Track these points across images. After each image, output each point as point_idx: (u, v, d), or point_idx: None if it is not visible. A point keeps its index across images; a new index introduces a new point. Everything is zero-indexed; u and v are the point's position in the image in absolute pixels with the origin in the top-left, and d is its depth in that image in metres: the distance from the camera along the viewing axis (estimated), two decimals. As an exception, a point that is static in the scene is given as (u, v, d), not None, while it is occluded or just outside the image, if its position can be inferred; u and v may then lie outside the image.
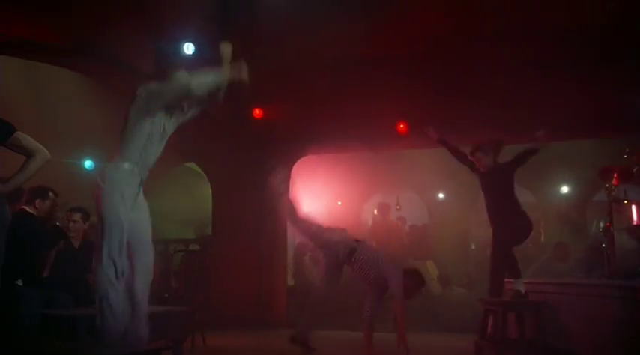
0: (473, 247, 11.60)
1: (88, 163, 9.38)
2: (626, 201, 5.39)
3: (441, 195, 11.98)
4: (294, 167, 9.15)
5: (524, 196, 12.02)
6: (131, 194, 3.71)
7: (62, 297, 4.70)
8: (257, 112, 8.27)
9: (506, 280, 6.24)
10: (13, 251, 3.77)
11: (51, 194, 5.05)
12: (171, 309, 4.51)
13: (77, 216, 5.35)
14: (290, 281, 9.41)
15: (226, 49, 4.06)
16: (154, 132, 3.86)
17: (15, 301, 4.28)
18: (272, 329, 7.80)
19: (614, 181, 5.59)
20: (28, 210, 4.91)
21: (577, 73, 7.03)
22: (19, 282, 4.71)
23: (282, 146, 8.76)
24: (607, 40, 6.64)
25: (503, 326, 5.21)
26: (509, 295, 5.59)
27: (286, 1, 6.53)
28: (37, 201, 4.96)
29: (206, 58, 7.17)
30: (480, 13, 6.69)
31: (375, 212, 12.69)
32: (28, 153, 3.54)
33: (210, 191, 9.39)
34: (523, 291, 5.35)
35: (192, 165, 10.22)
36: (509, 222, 5.68)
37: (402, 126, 7.93)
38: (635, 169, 5.66)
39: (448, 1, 6.70)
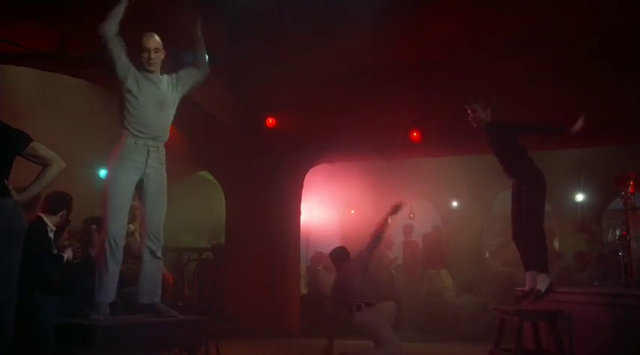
0: (487, 255, 11.53)
1: (103, 172, 9.44)
2: (642, 209, 5.33)
3: (454, 204, 11.93)
4: (307, 174, 9.17)
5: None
6: None
7: (79, 307, 4.66)
8: (270, 121, 8.29)
9: (519, 289, 6.18)
10: (32, 260, 3.79)
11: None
12: (185, 318, 4.50)
13: (94, 228, 5.29)
14: (303, 290, 9.40)
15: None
16: None
17: (33, 310, 4.26)
18: (285, 338, 7.79)
19: (630, 189, 5.54)
20: (44, 219, 4.85)
21: (591, 81, 7.00)
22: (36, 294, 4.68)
23: (295, 154, 8.77)
24: (621, 48, 6.61)
25: (519, 336, 5.16)
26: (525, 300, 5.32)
27: (300, 12, 6.56)
28: (63, 213, 4.80)
29: (217, 65, 7.25)
30: (493, 22, 6.69)
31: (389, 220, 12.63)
32: (44, 163, 3.57)
33: (223, 199, 9.41)
34: (543, 290, 4.94)
35: (206, 173, 10.25)
36: (522, 170, 5.14)
37: (415, 134, 7.91)
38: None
39: (461, 11, 6.70)
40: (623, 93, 6.92)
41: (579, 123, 5.00)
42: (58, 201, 4.79)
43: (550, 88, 7.04)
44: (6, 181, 3.45)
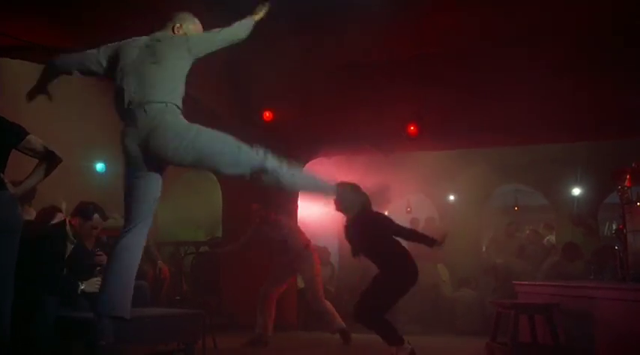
0: (484, 249, 11.56)
1: (99, 166, 9.41)
2: (638, 203, 5.34)
3: (451, 197, 11.94)
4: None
5: (536, 199, 12.08)
6: None
7: (80, 306, 4.59)
8: (267, 114, 8.26)
9: (516, 283, 6.18)
10: (39, 260, 3.78)
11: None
12: (183, 312, 4.51)
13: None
14: (300, 284, 9.40)
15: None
16: None
17: (31, 309, 4.20)
18: (282, 332, 7.79)
19: (626, 183, 5.55)
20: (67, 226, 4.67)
21: (588, 76, 6.99)
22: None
23: (293, 148, 8.72)
24: (620, 42, 6.61)
25: (515, 329, 5.18)
26: None
27: (299, 7, 6.54)
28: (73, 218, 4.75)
29: (215, 59, 7.23)
30: (492, 16, 6.68)
31: (386, 213, 12.66)
32: (40, 157, 3.56)
33: (220, 193, 9.40)
34: None
35: (203, 167, 10.23)
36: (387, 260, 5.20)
37: (412, 128, 7.90)
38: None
39: (460, 5, 6.69)
40: (619, 87, 6.92)
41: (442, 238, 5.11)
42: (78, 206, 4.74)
43: (548, 81, 7.04)
44: (2, 175, 3.43)
